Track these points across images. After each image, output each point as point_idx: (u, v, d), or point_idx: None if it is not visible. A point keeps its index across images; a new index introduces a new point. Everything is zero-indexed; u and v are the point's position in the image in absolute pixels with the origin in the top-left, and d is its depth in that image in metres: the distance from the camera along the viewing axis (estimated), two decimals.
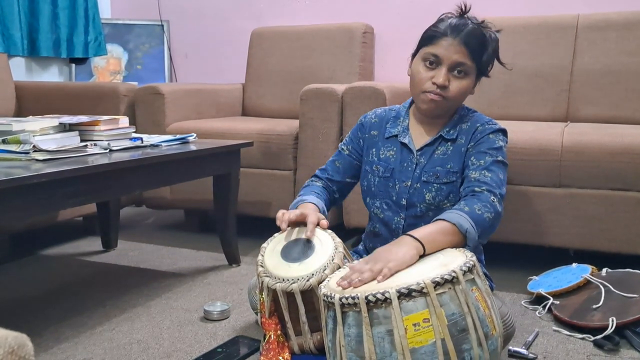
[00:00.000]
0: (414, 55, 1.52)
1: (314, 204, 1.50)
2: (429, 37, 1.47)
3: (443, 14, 1.50)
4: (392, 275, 1.16)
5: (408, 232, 1.26)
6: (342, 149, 1.65)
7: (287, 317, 1.33)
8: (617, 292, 1.59)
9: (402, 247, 1.22)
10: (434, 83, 1.43)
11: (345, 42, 2.90)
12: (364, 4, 3.07)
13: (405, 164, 1.52)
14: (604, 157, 1.87)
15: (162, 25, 3.54)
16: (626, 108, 2.35)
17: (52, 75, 3.30)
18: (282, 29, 3.09)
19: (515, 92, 2.51)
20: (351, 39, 2.90)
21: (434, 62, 1.44)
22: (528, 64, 2.50)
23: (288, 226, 1.42)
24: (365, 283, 1.15)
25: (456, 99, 1.47)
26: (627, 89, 2.35)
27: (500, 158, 1.45)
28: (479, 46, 1.44)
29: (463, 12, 1.48)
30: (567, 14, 2.54)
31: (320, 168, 1.67)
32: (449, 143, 1.50)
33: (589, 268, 1.76)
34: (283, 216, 1.41)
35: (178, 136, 2.02)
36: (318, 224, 1.40)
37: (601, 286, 1.62)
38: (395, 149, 1.55)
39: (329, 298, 1.14)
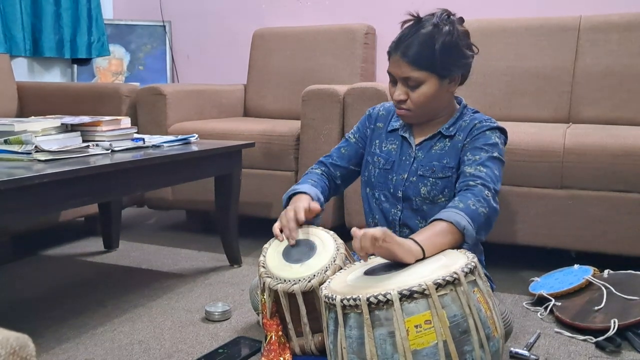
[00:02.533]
0: None
1: (307, 194, 1.51)
2: (387, 55, 1.51)
3: (402, 24, 1.52)
4: (384, 237, 1.17)
5: (410, 237, 1.26)
6: (349, 137, 1.69)
7: (288, 318, 1.34)
8: (618, 293, 1.58)
9: (403, 239, 1.22)
10: (394, 99, 1.50)
11: (346, 43, 2.90)
12: (365, 5, 3.07)
13: (404, 158, 1.55)
14: (606, 158, 1.86)
15: (164, 26, 3.54)
16: (628, 109, 2.34)
17: (54, 75, 3.30)
18: (283, 30, 3.09)
19: (517, 93, 2.51)
20: (353, 40, 2.90)
21: (393, 79, 1.50)
22: (530, 66, 2.50)
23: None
24: (367, 248, 1.18)
25: (423, 107, 1.48)
26: (629, 91, 2.35)
27: (496, 154, 1.46)
28: (421, 52, 1.43)
29: (415, 17, 1.50)
30: (569, 15, 2.54)
31: (326, 155, 1.70)
32: (447, 139, 1.52)
33: (591, 269, 1.76)
34: (285, 232, 1.42)
35: (180, 137, 2.02)
36: (313, 219, 1.44)
37: (603, 288, 1.62)
38: (397, 142, 1.58)
39: (330, 299, 1.14)
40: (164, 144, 1.93)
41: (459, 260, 1.16)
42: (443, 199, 1.49)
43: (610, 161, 1.86)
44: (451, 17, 1.49)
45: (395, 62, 1.46)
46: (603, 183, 1.88)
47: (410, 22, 1.49)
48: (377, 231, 1.17)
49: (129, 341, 1.53)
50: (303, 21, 3.16)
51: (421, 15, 1.51)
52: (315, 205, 1.44)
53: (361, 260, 1.35)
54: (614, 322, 1.47)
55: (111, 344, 1.52)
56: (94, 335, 1.57)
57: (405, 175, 1.53)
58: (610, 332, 1.46)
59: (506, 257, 2.08)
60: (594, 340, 1.48)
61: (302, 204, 1.43)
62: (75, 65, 3.37)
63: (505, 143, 1.53)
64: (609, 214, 1.88)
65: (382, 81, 2.98)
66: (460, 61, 1.48)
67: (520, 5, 2.77)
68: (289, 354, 1.35)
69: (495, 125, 1.51)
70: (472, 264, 1.14)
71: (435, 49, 1.42)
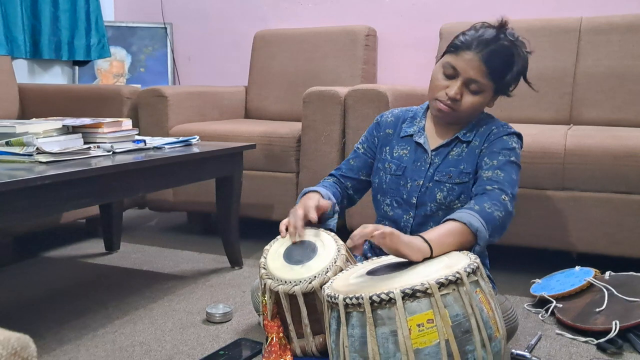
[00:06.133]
0: (441, 55, 1.51)
1: (317, 192, 1.52)
2: (454, 45, 1.45)
3: (479, 24, 1.48)
4: (390, 237, 1.18)
5: (419, 234, 1.26)
6: (358, 147, 1.67)
7: (289, 320, 1.33)
8: (620, 295, 1.58)
9: (411, 237, 1.23)
10: (446, 94, 1.45)
11: (348, 45, 2.91)
12: (367, 7, 3.08)
13: (418, 164, 1.53)
14: (607, 160, 1.86)
15: (166, 28, 3.54)
16: (629, 111, 2.34)
17: (55, 77, 3.30)
18: (285, 32, 3.10)
19: (518, 94, 2.47)
20: (354, 42, 2.90)
21: (452, 73, 1.45)
22: (531, 67, 2.44)
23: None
24: (364, 236, 1.19)
25: (466, 113, 1.48)
26: (631, 92, 2.35)
27: (513, 159, 1.45)
28: (501, 66, 1.43)
29: (501, 26, 1.46)
30: (570, 16, 2.54)
31: (336, 167, 1.69)
32: (464, 145, 1.51)
33: (592, 271, 1.76)
34: (290, 229, 1.41)
35: (181, 138, 2.03)
36: (328, 221, 1.43)
37: (604, 289, 1.62)
38: (409, 148, 1.56)
39: (332, 298, 1.14)
40: (165, 146, 1.93)
41: (461, 261, 1.16)
42: (459, 205, 1.47)
43: (612, 163, 1.86)
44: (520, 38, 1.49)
45: (471, 60, 1.41)
46: (604, 185, 1.88)
47: (487, 26, 1.46)
48: (385, 229, 1.18)
49: (130, 343, 1.53)
50: (304, 23, 3.17)
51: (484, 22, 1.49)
52: (325, 202, 1.44)
53: (363, 262, 1.35)
54: (616, 324, 1.46)
55: (112, 346, 1.52)
56: (95, 337, 1.57)
57: (421, 182, 1.51)
58: (612, 334, 1.45)
59: (507, 259, 2.08)
60: (596, 341, 1.48)
61: (312, 202, 1.43)
62: (77, 67, 3.37)
63: (521, 148, 1.52)
64: (610, 215, 1.88)
65: (383, 83, 2.98)
66: (513, 89, 1.51)
67: (521, 6, 2.77)
68: (289, 356, 1.35)
69: (512, 130, 1.51)
70: (475, 264, 1.14)
71: (513, 70, 1.44)
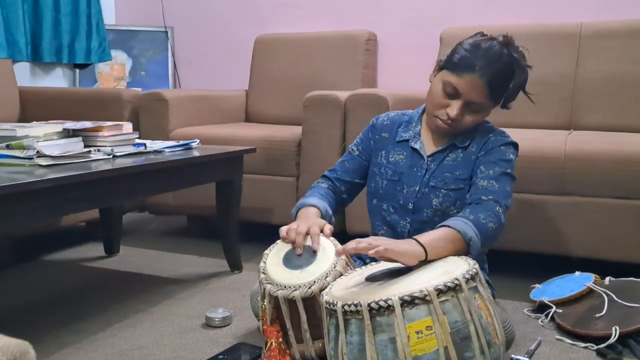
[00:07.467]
0: (440, 67, 1.49)
1: (316, 207, 1.51)
2: (454, 64, 1.43)
3: (479, 35, 1.47)
4: (384, 253, 1.18)
5: (413, 237, 1.26)
6: (352, 149, 1.66)
7: (288, 325, 1.33)
8: (620, 301, 1.58)
9: (405, 243, 1.23)
10: (447, 114, 1.44)
11: (348, 50, 2.91)
12: (367, 12, 3.08)
13: (414, 169, 1.53)
14: (607, 165, 1.86)
15: (167, 32, 3.55)
16: (629, 116, 2.34)
17: (56, 80, 3.30)
18: (285, 36, 3.10)
19: (518, 99, 2.49)
20: (354, 46, 2.91)
21: (453, 93, 1.43)
22: (531, 72, 2.48)
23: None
24: (359, 250, 1.20)
25: (466, 129, 1.49)
26: (631, 97, 2.35)
27: (509, 171, 1.46)
28: (502, 85, 1.44)
29: (505, 43, 1.46)
30: (570, 22, 2.54)
31: (330, 169, 1.68)
32: (460, 150, 1.51)
33: (592, 276, 1.76)
34: (288, 234, 1.39)
35: (181, 142, 2.03)
36: (322, 231, 1.40)
37: (604, 295, 1.62)
38: (405, 153, 1.56)
39: (331, 305, 1.14)
40: (166, 149, 1.93)
41: (460, 267, 1.17)
42: (455, 211, 1.47)
43: (612, 168, 1.86)
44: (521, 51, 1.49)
45: (474, 84, 1.40)
46: (604, 190, 1.88)
47: (489, 38, 1.46)
48: (378, 248, 1.18)
49: (130, 347, 1.53)
50: (305, 27, 3.17)
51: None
52: (327, 231, 1.41)
53: (362, 267, 1.35)
54: (615, 330, 1.46)
55: (111, 349, 1.51)
56: (94, 341, 1.57)
57: (417, 187, 1.51)
58: (612, 340, 1.45)
59: (507, 264, 2.07)
60: (595, 347, 1.48)
61: (315, 229, 1.39)
62: (77, 70, 3.37)
63: (516, 157, 1.53)
64: (610, 220, 1.88)
65: (383, 87, 2.99)
66: (511, 101, 1.51)
67: (521, 11, 2.77)
68: None
69: (509, 140, 1.51)
70: (474, 270, 1.14)
71: (513, 86, 1.45)
